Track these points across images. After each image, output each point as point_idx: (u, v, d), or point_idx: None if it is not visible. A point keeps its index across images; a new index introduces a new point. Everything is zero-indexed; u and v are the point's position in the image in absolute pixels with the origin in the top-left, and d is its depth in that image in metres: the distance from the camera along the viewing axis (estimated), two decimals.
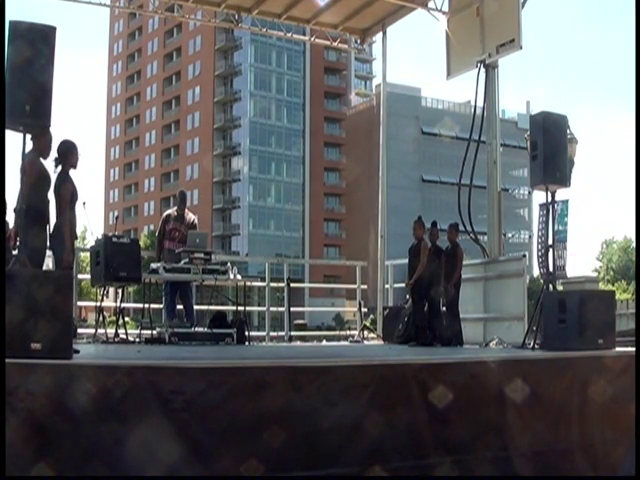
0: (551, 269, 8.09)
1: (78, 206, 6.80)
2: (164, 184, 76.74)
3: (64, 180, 6.66)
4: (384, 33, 12.47)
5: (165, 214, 10.06)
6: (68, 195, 6.61)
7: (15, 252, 5.69)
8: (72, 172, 6.80)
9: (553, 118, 7.89)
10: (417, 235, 9.43)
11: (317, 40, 13.50)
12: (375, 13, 12.19)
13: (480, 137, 10.76)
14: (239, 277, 9.21)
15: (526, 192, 71.07)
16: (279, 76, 73.27)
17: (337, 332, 14.23)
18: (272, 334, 11.35)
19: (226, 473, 4.44)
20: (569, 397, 5.94)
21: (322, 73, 75.95)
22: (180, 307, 9.68)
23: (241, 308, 9.43)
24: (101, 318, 8.59)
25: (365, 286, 12.45)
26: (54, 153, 6.58)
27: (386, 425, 4.98)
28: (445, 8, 11.47)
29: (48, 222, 6.30)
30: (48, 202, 6.26)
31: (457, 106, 71.40)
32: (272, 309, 11.57)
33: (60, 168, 6.70)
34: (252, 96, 71.77)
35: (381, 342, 10.80)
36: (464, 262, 9.60)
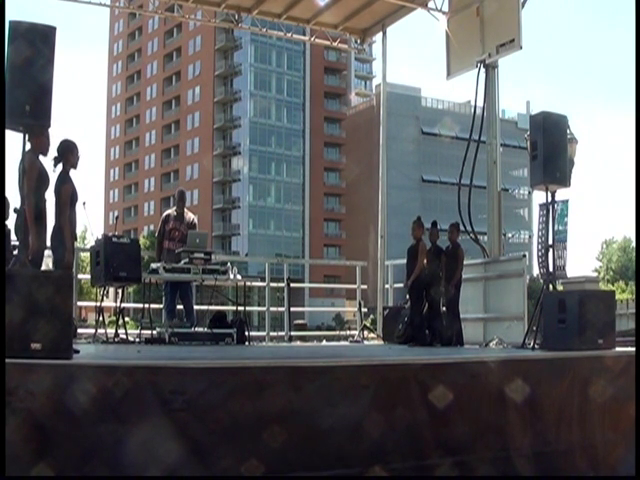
0: (551, 269, 8.09)
1: (78, 206, 6.80)
2: (164, 184, 76.73)
3: (64, 180, 6.65)
4: (384, 33, 12.46)
5: (165, 214, 10.05)
6: (68, 195, 6.60)
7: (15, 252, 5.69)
8: (72, 172, 6.80)
9: (553, 118, 7.89)
10: (416, 235, 9.42)
11: (317, 40, 13.49)
12: (375, 13, 12.19)
13: (480, 137, 10.75)
14: (239, 277, 9.20)
15: (526, 192, 71.08)
16: (279, 76, 73.25)
17: (337, 332, 14.22)
18: (272, 334, 11.35)
19: (226, 473, 4.44)
20: (569, 397, 5.94)
21: (322, 73, 75.93)
22: (180, 307, 9.68)
23: (241, 308, 9.43)
24: (101, 318, 8.58)
25: (365, 286, 12.44)
26: (54, 152, 6.57)
27: (386, 425, 4.97)
28: (445, 8, 11.47)
29: (46, 222, 6.30)
30: (45, 202, 6.26)
31: (457, 106, 71.41)
32: (272, 309, 11.56)
33: (60, 168, 6.69)
34: (252, 96, 71.76)
35: (381, 342, 10.80)
36: (464, 262, 9.59)
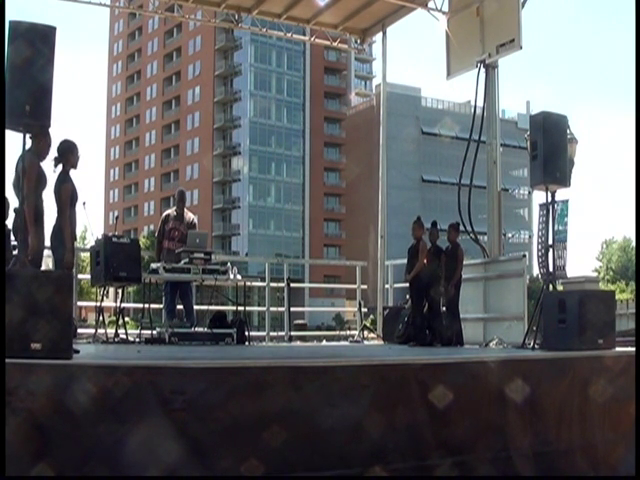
0: (551, 269, 8.09)
1: (78, 206, 6.80)
2: (164, 184, 76.74)
3: (64, 180, 6.65)
4: (384, 33, 12.46)
5: (164, 214, 10.06)
6: (68, 195, 6.60)
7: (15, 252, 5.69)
8: (72, 172, 6.80)
9: (553, 118, 7.89)
10: (416, 235, 9.43)
11: (317, 40, 13.49)
12: (375, 13, 12.18)
13: (480, 137, 10.75)
14: (239, 277, 9.20)
15: (526, 192, 71.06)
16: (279, 76, 73.24)
17: (337, 332, 14.23)
18: (272, 334, 11.35)
19: (226, 473, 4.43)
20: (569, 397, 5.94)
21: (322, 73, 75.93)
22: (180, 307, 9.68)
23: (241, 308, 9.43)
24: (101, 318, 8.58)
25: (365, 286, 12.45)
26: (54, 153, 6.57)
27: (386, 425, 4.97)
28: (445, 8, 11.46)
29: (44, 222, 6.29)
30: (43, 202, 6.25)
31: (457, 106, 71.40)
32: (272, 309, 11.56)
33: (60, 168, 6.69)
34: (252, 96, 71.76)
35: (381, 342, 10.80)
36: (464, 262, 9.60)
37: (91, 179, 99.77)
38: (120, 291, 8.79)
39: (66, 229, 6.55)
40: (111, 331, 8.54)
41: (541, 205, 10.32)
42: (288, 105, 73.69)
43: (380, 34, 12.59)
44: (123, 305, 8.78)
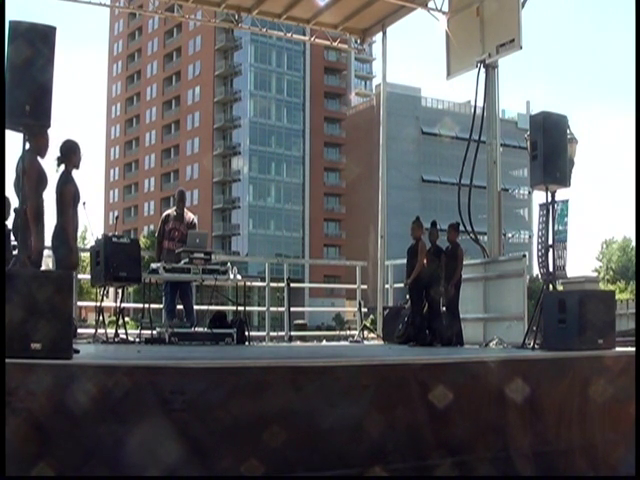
0: (551, 269, 8.09)
1: (79, 206, 6.79)
2: (164, 184, 76.73)
3: (66, 180, 6.64)
4: (384, 33, 12.46)
5: (164, 214, 10.06)
6: (71, 196, 6.59)
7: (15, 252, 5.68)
8: (74, 172, 6.79)
9: (553, 118, 7.89)
10: (415, 235, 9.43)
11: (317, 40, 13.49)
12: (375, 13, 12.18)
13: (480, 137, 10.75)
14: (239, 277, 9.20)
15: (526, 192, 71.07)
16: (279, 76, 73.25)
17: (337, 332, 14.24)
18: (272, 334, 11.35)
19: (226, 473, 4.43)
20: (569, 397, 5.94)
21: (322, 73, 75.94)
22: (180, 307, 9.68)
23: (241, 308, 9.43)
24: (101, 318, 8.58)
25: (365, 286, 12.45)
26: (55, 152, 6.57)
27: (386, 425, 4.98)
28: (445, 8, 11.46)
29: (44, 222, 6.28)
30: (43, 202, 6.25)
31: (457, 106, 71.40)
32: (272, 309, 11.56)
33: (62, 168, 6.69)
34: (252, 96, 71.76)
35: (381, 342, 10.80)
36: (464, 262, 9.59)
37: (91, 179, 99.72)
38: (120, 291, 8.79)
39: (68, 229, 6.54)
40: (111, 331, 8.54)
41: (541, 205, 10.31)
42: (288, 105, 73.69)
43: (380, 34, 12.59)
44: (123, 305, 8.78)
